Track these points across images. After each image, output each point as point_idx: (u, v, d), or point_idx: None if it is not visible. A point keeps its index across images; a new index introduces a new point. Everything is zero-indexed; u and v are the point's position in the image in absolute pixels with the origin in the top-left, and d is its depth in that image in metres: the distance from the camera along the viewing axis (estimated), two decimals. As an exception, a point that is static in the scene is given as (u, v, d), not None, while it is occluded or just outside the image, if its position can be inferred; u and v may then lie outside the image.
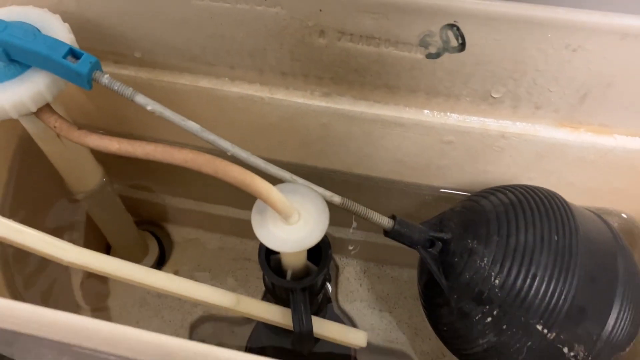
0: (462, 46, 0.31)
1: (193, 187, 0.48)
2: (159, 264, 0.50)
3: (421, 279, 0.35)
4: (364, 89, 0.35)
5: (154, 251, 0.50)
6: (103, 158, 0.39)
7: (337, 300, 0.48)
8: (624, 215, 0.40)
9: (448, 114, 0.35)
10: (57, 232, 0.38)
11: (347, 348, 0.45)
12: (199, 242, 0.51)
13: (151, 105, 0.29)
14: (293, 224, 0.27)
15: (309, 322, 0.29)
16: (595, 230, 0.31)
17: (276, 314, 0.30)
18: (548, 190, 0.32)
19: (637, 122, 0.34)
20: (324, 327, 0.30)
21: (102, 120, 0.43)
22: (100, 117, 0.42)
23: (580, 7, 0.29)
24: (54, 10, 0.32)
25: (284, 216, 0.27)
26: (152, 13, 0.33)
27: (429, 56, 0.32)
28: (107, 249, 0.49)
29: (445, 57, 0.31)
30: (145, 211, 0.51)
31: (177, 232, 0.52)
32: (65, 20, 0.32)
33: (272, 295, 0.33)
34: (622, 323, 0.29)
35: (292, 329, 0.30)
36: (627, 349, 0.30)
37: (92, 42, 0.36)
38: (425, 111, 0.35)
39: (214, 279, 0.50)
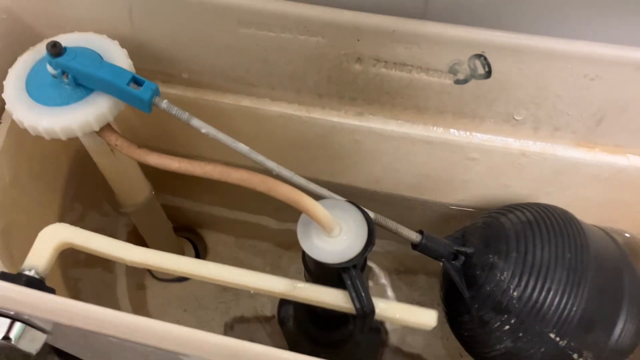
0: (488, 74, 0.33)
1: (226, 196, 0.51)
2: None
3: (443, 288, 0.38)
4: (394, 110, 0.38)
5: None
6: (145, 169, 0.42)
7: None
8: (627, 235, 0.43)
9: (473, 133, 0.38)
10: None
11: (377, 336, 0.47)
12: (231, 247, 0.54)
13: (205, 128, 0.31)
14: (335, 237, 0.30)
15: (368, 296, 0.29)
16: (603, 247, 0.34)
17: (331, 296, 0.30)
18: (561, 209, 0.35)
19: (649, 143, 0.37)
20: (390, 308, 0.30)
21: (144, 133, 0.45)
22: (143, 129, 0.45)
23: (599, 40, 0.31)
24: (110, 35, 0.35)
25: (328, 230, 0.30)
26: (201, 39, 0.36)
27: (457, 82, 0.34)
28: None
29: (472, 83, 0.34)
30: (181, 218, 0.54)
31: (211, 238, 0.55)
32: (119, 43, 0.34)
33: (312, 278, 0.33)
34: (627, 332, 0.32)
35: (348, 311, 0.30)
36: (631, 355, 0.33)
37: (142, 62, 0.39)
38: (452, 130, 0.38)
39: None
